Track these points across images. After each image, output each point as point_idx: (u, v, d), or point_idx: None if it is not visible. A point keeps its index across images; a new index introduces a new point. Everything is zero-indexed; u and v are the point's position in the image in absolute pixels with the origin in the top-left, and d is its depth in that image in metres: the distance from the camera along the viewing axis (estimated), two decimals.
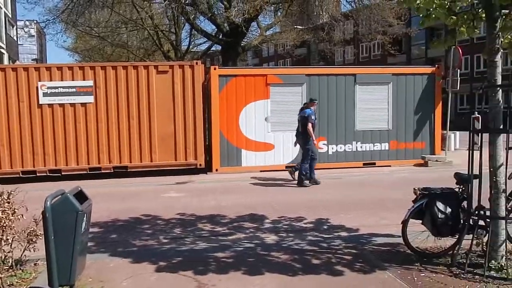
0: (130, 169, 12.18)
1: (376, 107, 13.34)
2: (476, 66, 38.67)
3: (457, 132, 17.48)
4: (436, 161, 13.21)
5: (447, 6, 4.69)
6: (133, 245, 6.12)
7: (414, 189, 5.35)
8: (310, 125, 10.29)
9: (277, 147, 12.89)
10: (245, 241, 6.18)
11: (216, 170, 12.59)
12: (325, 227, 6.88)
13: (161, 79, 12.16)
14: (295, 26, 27.38)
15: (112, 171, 12.12)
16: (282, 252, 5.63)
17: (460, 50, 13.72)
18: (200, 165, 12.43)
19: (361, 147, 13.32)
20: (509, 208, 5.02)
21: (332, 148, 13.14)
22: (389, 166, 13.21)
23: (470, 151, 4.84)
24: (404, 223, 5.25)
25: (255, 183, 11.25)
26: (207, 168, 12.68)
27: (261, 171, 12.67)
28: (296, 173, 10.89)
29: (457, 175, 5.25)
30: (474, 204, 4.89)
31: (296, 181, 10.68)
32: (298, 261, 5.26)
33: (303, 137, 10.52)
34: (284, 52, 44.82)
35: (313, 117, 10.41)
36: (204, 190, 10.35)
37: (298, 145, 11.19)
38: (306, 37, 28.00)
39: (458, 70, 14.08)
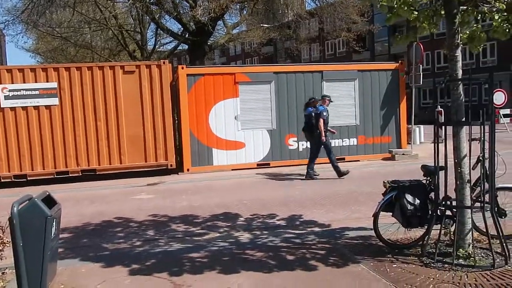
0: (99, 172, 11.93)
1: (344, 103, 13.55)
2: (437, 62, 39.95)
3: (422, 126, 17.98)
4: (403, 154, 13.55)
5: (409, 3, 4.83)
6: (105, 249, 6.01)
7: (383, 182, 5.48)
8: (321, 121, 10.68)
9: (247, 145, 12.92)
10: (219, 240, 6.17)
11: (188, 170, 12.51)
12: (298, 223, 6.96)
13: (128, 79, 11.97)
14: (261, 25, 27.44)
15: (80, 174, 11.84)
16: (257, 249, 5.65)
17: (421, 46, 14.12)
18: (171, 165, 12.31)
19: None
20: (474, 198, 5.21)
21: (302, 145, 13.25)
22: (358, 160, 13.46)
23: (435, 144, 4.99)
24: (375, 216, 5.37)
25: (227, 181, 11.24)
26: (179, 168, 12.58)
27: (232, 169, 12.67)
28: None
29: (424, 168, 5.42)
30: (441, 195, 5.06)
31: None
32: (273, 258, 5.30)
33: (318, 132, 10.80)
34: (251, 51, 44.92)
35: (325, 114, 10.82)
36: (176, 190, 10.27)
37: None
38: (272, 35, 28.08)
39: (420, 66, 14.48)
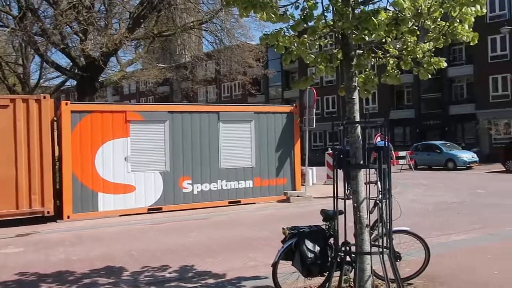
0: None
1: (240, 144, 13.39)
2: (325, 107, 42.75)
3: (314, 168, 18.52)
4: (298, 196, 13.63)
5: (307, 44, 4.74)
6: None
7: (283, 228, 5.16)
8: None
9: (138, 189, 11.99)
10: None
11: (68, 217, 11.16)
12: (191, 274, 6.32)
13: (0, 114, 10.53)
14: (157, 64, 26.92)
15: None
16: None
17: (314, 91, 14.68)
18: (48, 212, 10.88)
19: (226, 185, 13.12)
20: (372, 242, 5.09)
21: (197, 188, 12.71)
22: (254, 203, 13.23)
23: (334, 187, 4.82)
24: (274, 265, 5.00)
25: (114, 229, 10.19)
26: (57, 215, 11.18)
27: (120, 215, 11.61)
28: None
29: (323, 212, 5.22)
30: (341, 239, 4.85)
31: None
32: None
33: None
34: (147, 90, 43.91)
35: None
36: (53, 241, 8.98)
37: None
38: (169, 75, 27.68)
39: (314, 109, 15.01)
